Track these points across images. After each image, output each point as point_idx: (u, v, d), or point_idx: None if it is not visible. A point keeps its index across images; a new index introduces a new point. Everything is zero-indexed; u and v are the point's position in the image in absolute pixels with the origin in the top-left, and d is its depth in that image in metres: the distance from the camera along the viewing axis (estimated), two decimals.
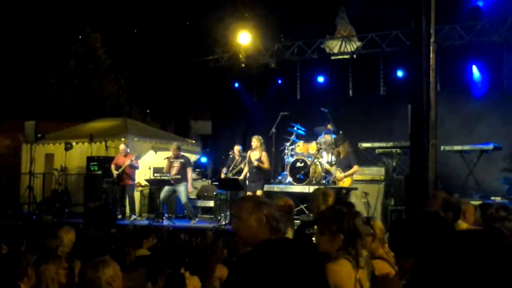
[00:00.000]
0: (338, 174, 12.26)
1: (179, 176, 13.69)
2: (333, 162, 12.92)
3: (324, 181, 12.94)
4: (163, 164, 14.21)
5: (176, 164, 13.76)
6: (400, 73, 15.95)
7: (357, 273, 3.77)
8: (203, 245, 8.29)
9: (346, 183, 12.10)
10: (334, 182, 12.57)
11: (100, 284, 4.61)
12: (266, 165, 13.00)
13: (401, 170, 13.31)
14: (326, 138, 13.79)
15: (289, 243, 3.56)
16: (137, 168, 14.66)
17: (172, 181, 13.56)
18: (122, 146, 14.81)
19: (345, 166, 12.28)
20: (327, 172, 12.95)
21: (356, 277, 3.76)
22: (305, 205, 12.85)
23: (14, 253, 5.58)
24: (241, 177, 13.16)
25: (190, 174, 14.11)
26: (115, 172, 14.36)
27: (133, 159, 14.35)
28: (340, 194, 11.72)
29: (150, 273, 5.59)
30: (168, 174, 13.78)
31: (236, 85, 19.06)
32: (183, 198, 13.73)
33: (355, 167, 12.18)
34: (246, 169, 13.17)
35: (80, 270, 6.03)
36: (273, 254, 3.25)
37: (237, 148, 13.89)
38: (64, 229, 7.03)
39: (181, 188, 13.67)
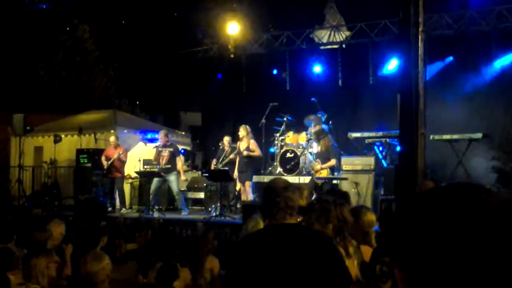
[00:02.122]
0: (316, 165, 12.43)
1: (169, 166, 13.60)
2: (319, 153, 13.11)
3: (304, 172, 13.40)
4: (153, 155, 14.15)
5: (165, 153, 13.65)
6: (389, 63, 15.97)
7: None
8: (194, 237, 8.30)
9: (322, 174, 12.25)
10: (309, 173, 13.08)
11: (103, 277, 4.61)
12: (256, 152, 12.96)
13: (390, 159, 13.36)
14: (316, 128, 13.83)
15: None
16: (124, 162, 14.59)
17: (162, 173, 13.51)
18: (112, 138, 14.73)
19: (325, 158, 12.43)
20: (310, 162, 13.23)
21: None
22: None
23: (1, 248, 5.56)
24: (235, 169, 13.14)
25: (181, 162, 14.08)
26: (105, 164, 14.32)
27: (121, 152, 14.28)
28: (324, 186, 11.95)
29: (141, 266, 5.59)
30: (158, 165, 13.73)
31: (225, 76, 19.04)
32: (175, 188, 13.65)
33: (332, 161, 12.34)
34: (237, 160, 13.16)
35: (72, 255, 6.05)
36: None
37: (226, 139, 13.83)
38: (54, 222, 7.02)
39: (172, 178, 13.58)
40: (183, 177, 14.01)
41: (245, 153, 12.83)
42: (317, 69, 17.63)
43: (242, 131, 13.02)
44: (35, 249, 5.85)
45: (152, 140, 15.51)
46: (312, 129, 13.77)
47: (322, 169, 12.30)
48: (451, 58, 15.36)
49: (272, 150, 14.55)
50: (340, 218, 3.95)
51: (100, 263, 4.64)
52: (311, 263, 3.15)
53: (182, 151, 17.52)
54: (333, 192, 5.55)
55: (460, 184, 1.19)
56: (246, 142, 12.93)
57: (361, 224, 4.75)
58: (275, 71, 18.07)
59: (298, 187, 5.89)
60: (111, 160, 14.21)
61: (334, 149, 12.75)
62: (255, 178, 13.21)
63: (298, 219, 3.72)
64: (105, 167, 14.29)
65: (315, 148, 13.54)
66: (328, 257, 3.25)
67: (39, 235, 6.34)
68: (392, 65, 15.57)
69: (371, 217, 4.86)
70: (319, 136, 12.87)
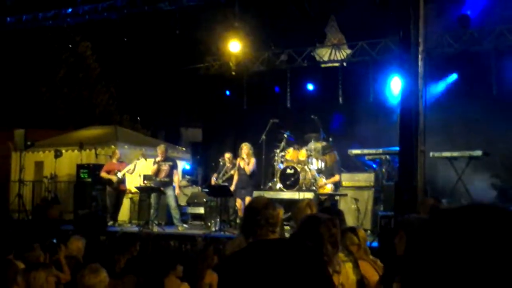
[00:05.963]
0: (321, 181, 12.48)
1: (167, 179, 13.64)
2: (322, 169, 13.17)
3: (313, 187, 13.17)
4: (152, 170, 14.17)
5: (165, 167, 13.68)
6: (389, 81, 16.03)
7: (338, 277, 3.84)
8: (193, 251, 8.31)
9: (326, 190, 12.29)
10: (309, 189, 12.96)
11: None
12: (248, 168, 12.88)
13: (390, 176, 13.36)
14: (316, 145, 13.88)
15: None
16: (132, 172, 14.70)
17: (161, 188, 13.54)
18: (117, 152, 14.95)
19: (329, 174, 12.51)
20: (314, 178, 13.19)
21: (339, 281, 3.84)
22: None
23: (2, 261, 5.56)
24: (233, 185, 13.13)
25: (177, 176, 14.13)
26: (113, 178, 14.28)
27: (136, 163, 14.45)
28: (326, 201, 12.02)
29: (140, 280, 5.59)
30: (156, 178, 13.73)
31: (227, 92, 19.11)
32: (172, 203, 13.63)
33: (336, 177, 12.51)
34: (236, 176, 13.16)
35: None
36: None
37: (227, 155, 13.86)
38: (74, 237, 7.14)
39: (170, 192, 13.60)
40: (177, 191, 14.03)
41: (247, 171, 12.80)
42: (318, 86, 17.68)
43: (246, 149, 12.94)
44: (34, 263, 5.86)
45: None
46: (312, 146, 13.81)
47: (325, 184, 12.36)
48: (455, 75, 15.39)
49: (280, 166, 14.50)
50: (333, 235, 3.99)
51: (97, 276, 4.66)
52: (296, 277, 3.19)
53: (190, 168, 17.65)
54: (327, 210, 5.69)
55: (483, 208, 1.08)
56: (247, 160, 12.90)
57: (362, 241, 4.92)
58: (276, 89, 18.14)
59: (308, 203, 5.97)
60: (123, 171, 14.25)
61: (338, 165, 12.83)
62: (255, 194, 13.20)
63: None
64: (115, 179, 14.26)
65: (315, 164, 13.58)
66: (313, 270, 3.29)
67: (28, 256, 6.38)
68: (395, 84, 15.58)
69: (362, 233, 5.15)
70: (325, 150, 12.92)
